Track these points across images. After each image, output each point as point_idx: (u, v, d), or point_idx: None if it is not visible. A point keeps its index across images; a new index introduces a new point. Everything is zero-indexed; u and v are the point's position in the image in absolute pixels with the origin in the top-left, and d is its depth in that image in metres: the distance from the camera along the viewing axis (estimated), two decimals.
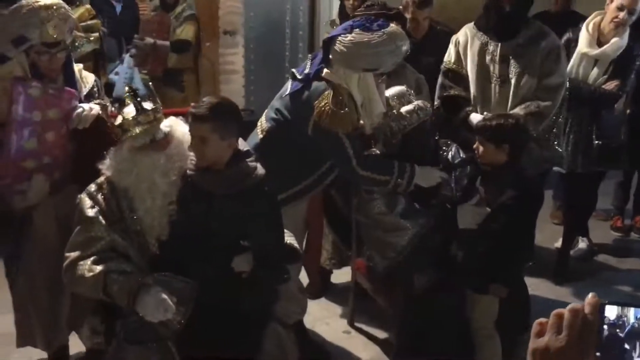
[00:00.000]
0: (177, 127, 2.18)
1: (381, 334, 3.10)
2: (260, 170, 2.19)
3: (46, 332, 2.58)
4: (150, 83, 2.19)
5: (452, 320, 2.59)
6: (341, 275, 3.46)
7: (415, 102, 2.70)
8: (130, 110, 2.06)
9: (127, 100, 2.07)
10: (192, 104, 2.13)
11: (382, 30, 2.44)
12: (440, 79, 3.26)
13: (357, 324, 3.18)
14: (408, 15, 3.35)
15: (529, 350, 0.82)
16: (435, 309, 2.59)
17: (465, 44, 3.21)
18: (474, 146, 2.58)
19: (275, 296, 2.27)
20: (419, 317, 2.65)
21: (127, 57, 4.84)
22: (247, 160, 2.19)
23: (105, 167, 2.11)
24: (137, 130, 2.05)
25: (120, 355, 2.06)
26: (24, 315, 2.59)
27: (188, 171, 2.12)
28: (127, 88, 2.12)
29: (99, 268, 2.00)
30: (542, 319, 0.83)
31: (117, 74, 4.79)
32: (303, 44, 5.16)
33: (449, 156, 2.79)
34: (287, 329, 2.32)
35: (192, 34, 4.37)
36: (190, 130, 2.10)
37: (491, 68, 3.14)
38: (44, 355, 2.71)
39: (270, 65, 5.16)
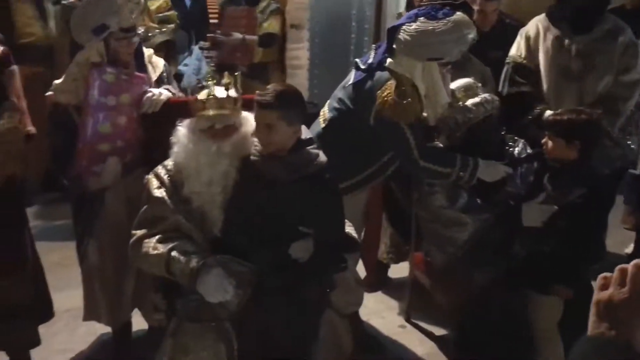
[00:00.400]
0: (245, 122, 2.19)
1: (438, 331, 3.06)
2: (322, 157, 2.19)
3: (111, 308, 2.69)
4: (237, 73, 2.22)
5: (513, 320, 2.51)
6: (399, 270, 3.43)
7: (483, 95, 2.64)
8: (205, 93, 2.11)
9: (208, 82, 2.13)
10: (257, 91, 2.15)
11: (448, 18, 2.39)
12: (507, 74, 3.15)
13: (414, 320, 3.14)
14: (476, 7, 3.27)
15: (592, 302, 0.87)
16: (494, 308, 2.52)
17: (537, 37, 3.10)
18: (543, 141, 2.49)
19: (332, 284, 2.28)
20: (477, 316, 2.60)
21: (195, 49, 4.95)
22: (310, 147, 2.20)
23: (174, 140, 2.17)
24: (204, 113, 2.10)
25: (179, 332, 2.11)
26: (91, 291, 2.70)
27: (251, 157, 2.15)
28: (210, 72, 2.18)
29: (163, 247, 2.06)
30: (607, 273, 0.88)
31: (185, 65, 4.92)
32: (369, 38, 5.11)
33: (515, 152, 2.71)
34: (342, 318, 2.32)
35: (278, 28, 4.42)
36: (256, 118, 2.11)
37: (566, 63, 3.02)
38: (108, 329, 2.83)
39: (335, 59, 5.14)
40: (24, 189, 2.57)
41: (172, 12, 4.43)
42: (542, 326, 2.47)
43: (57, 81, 2.66)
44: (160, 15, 4.31)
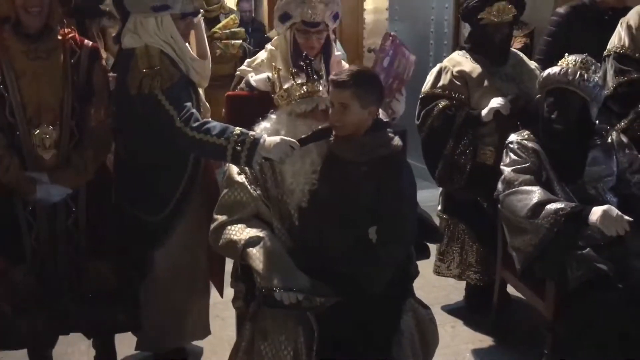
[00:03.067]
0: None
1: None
2: (398, 141, 2.15)
3: None
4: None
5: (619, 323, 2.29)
6: None
7: None
8: (300, 80, 2.13)
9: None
10: (333, 72, 2.15)
11: None
12: (613, 65, 2.95)
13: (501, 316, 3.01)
14: None
15: None
16: (594, 309, 2.30)
17: None
18: None
19: (413, 273, 2.20)
20: (573, 317, 2.38)
21: None
22: (386, 130, 2.17)
23: (259, 130, 2.18)
24: (309, 94, 2.12)
25: (258, 316, 2.07)
26: None
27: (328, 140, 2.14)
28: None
29: (240, 237, 2.06)
30: None
31: None
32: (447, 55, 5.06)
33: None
34: (426, 309, 2.21)
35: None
36: (331, 98, 2.11)
37: None
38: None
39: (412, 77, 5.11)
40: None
41: None
42: None
43: None
44: None
